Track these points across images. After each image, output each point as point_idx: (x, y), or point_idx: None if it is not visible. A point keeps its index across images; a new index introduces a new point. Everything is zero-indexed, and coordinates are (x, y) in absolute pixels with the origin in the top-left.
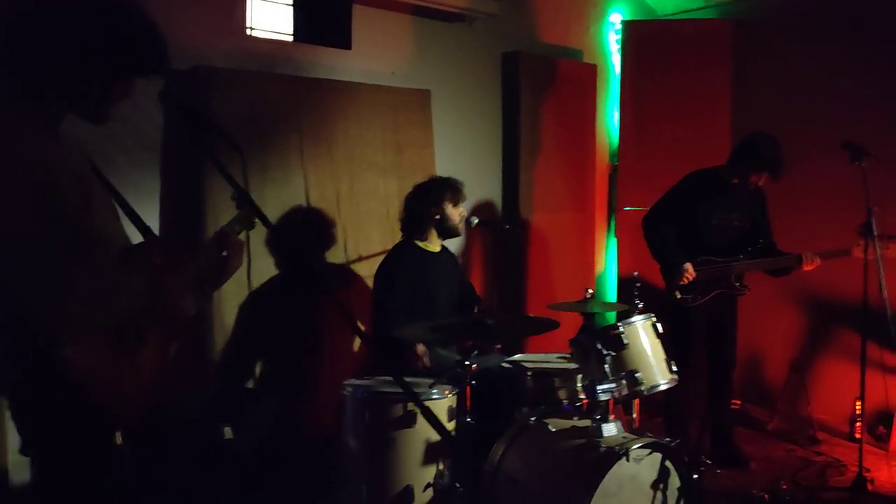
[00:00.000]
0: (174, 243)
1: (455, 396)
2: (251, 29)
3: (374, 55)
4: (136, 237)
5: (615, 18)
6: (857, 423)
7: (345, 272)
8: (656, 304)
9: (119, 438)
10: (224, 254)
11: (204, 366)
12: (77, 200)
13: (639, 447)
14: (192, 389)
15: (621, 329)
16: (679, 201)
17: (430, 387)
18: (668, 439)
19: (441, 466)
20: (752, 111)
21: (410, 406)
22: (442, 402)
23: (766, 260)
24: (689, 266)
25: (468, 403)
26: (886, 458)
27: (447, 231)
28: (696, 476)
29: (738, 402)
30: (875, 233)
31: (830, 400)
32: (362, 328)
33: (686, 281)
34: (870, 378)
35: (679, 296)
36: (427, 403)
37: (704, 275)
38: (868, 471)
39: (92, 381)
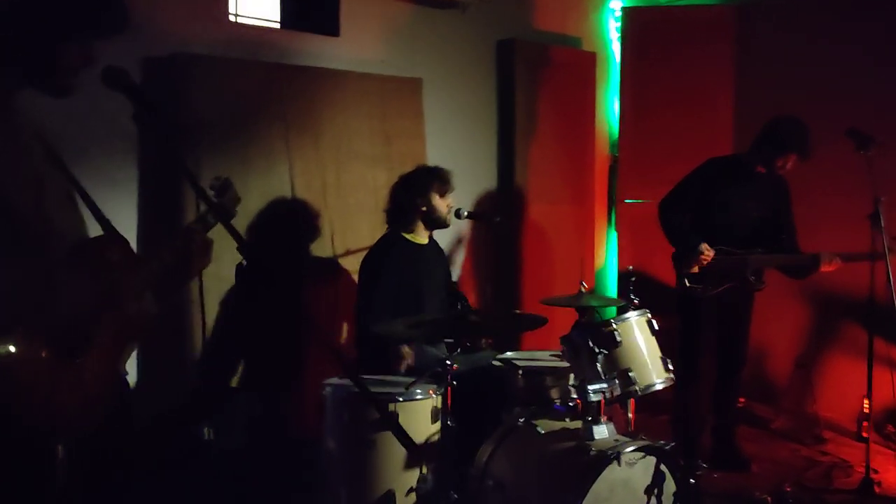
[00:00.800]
0: (155, 236)
1: (440, 396)
2: (235, 15)
3: (364, 42)
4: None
5: (615, 5)
6: (865, 422)
7: (331, 266)
8: (656, 299)
9: (60, 451)
10: (190, 251)
11: (184, 364)
12: (18, 191)
13: (631, 450)
14: (171, 388)
15: (614, 326)
16: (695, 187)
17: (410, 386)
18: (662, 442)
19: (424, 470)
20: (756, 99)
21: (392, 407)
22: (425, 402)
23: (782, 255)
24: (705, 246)
25: (449, 405)
26: (895, 459)
27: (434, 223)
28: (692, 481)
29: (743, 399)
30: (882, 223)
31: (837, 398)
32: (345, 329)
33: (703, 262)
34: (877, 375)
35: (689, 284)
36: (408, 404)
37: (718, 265)
38: (876, 472)
39: (20, 392)
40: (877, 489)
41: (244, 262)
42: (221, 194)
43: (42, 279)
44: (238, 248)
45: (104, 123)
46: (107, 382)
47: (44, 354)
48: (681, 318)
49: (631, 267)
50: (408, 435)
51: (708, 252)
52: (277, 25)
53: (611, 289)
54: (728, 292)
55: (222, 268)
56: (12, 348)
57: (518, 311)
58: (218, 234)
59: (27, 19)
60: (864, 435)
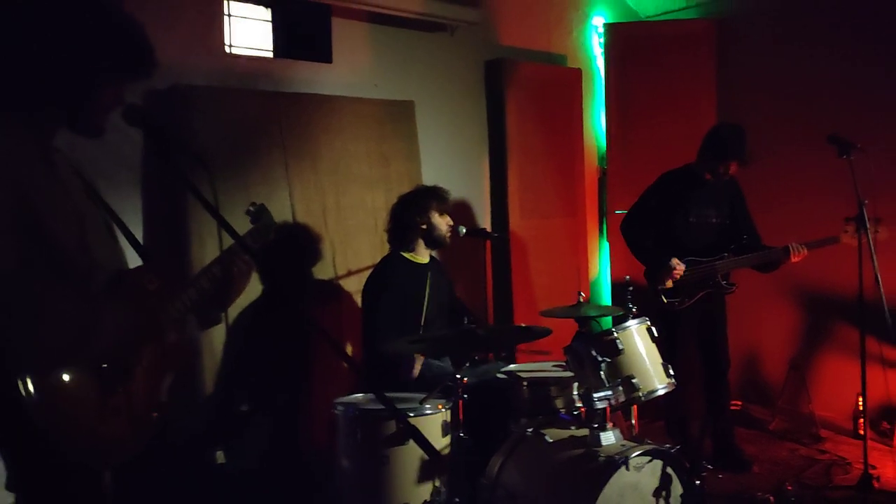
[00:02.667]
0: (171, 266)
1: (449, 411)
2: (230, 47)
3: (356, 68)
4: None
5: (598, 22)
6: (860, 420)
7: (333, 287)
8: (649, 308)
9: (107, 478)
10: (231, 275)
11: (194, 388)
12: (63, 226)
13: (638, 455)
14: (184, 413)
15: (616, 334)
16: (654, 202)
17: (422, 402)
18: (668, 445)
19: (437, 483)
20: (738, 108)
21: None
22: (435, 416)
23: (751, 255)
24: (675, 260)
25: (461, 418)
26: (892, 454)
27: (435, 241)
28: (698, 482)
29: (739, 402)
30: (868, 225)
31: (832, 396)
32: (350, 349)
33: (675, 276)
34: (871, 372)
35: (666, 300)
36: (419, 419)
37: (690, 276)
38: (874, 468)
39: (65, 424)
40: (876, 484)
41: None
42: (256, 220)
43: (86, 311)
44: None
45: (107, 155)
46: (148, 411)
47: (88, 385)
48: (663, 328)
49: (628, 277)
50: (430, 443)
51: (679, 266)
52: (270, 55)
53: (605, 298)
54: (702, 300)
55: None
56: (65, 377)
57: (522, 325)
58: None
59: (63, 61)
60: (861, 432)
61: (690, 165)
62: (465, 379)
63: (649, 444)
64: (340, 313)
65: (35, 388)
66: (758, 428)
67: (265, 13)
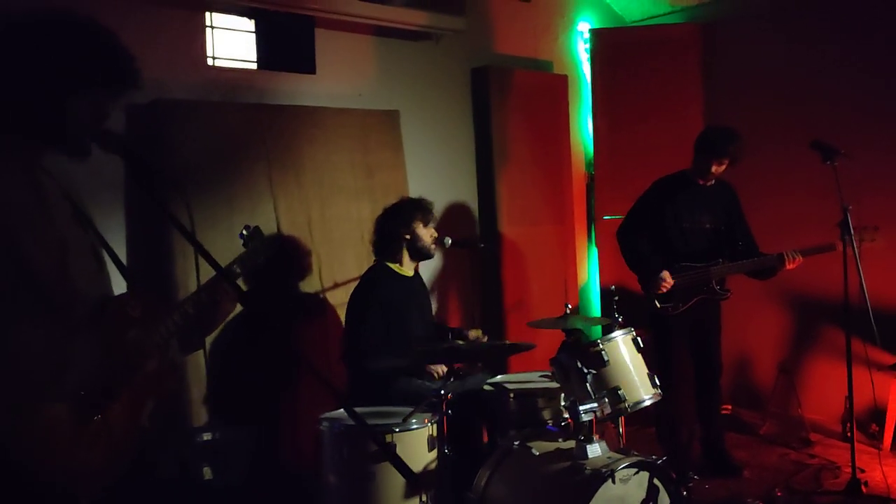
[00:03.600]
0: (155, 290)
1: (435, 425)
2: (213, 59)
3: (340, 78)
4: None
5: (583, 27)
6: (849, 423)
7: (320, 300)
8: (639, 315)
9: None
10: (216, 301)
11: (179, 405)
12: (45, 255)
13: (625, 467)
14: (168, 431)
15: (601, 346)
16: (648, 208)
17: (407, 418)
18: (654, 456)
19: (424, 499)
20: (725, 112)
21: (389, 438)
22: (421, 431)
23: (746, 262)
24: (665, 274)
25: (445, 433)
26: (880, 458)
27: (419, 253)
28: (685, 492)
29: (729, 406)
30: (852, 230)
31: (821, 400)
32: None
33: (664, 289)
34: (858, 375)
35: (659, 305)
36: (404, 434)
37: (683, 282)
38: (862, 471)
39: (42, 451)
40: (864, 489)
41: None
42: (247, 243)
43: (65, 340)
44: (238, 300)
45: (90, 175)
46: (128, 437)
47: (64, 414)
48: (653, 333)
49: (613, 287)
50: (406, 464)
51: (668, 281)
52: (254, 66)
53: (594, 305)
54: (696, 306)
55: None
56: (40, 408)
57: (505, 340)
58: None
59: (43, 80)
60: (849, 435)
61: (684, 171)
62: (450, 395)
63: (636, 455)
64: (327, 326)
65: (9, 420)
66: (748, 432)
67: (248, 24)
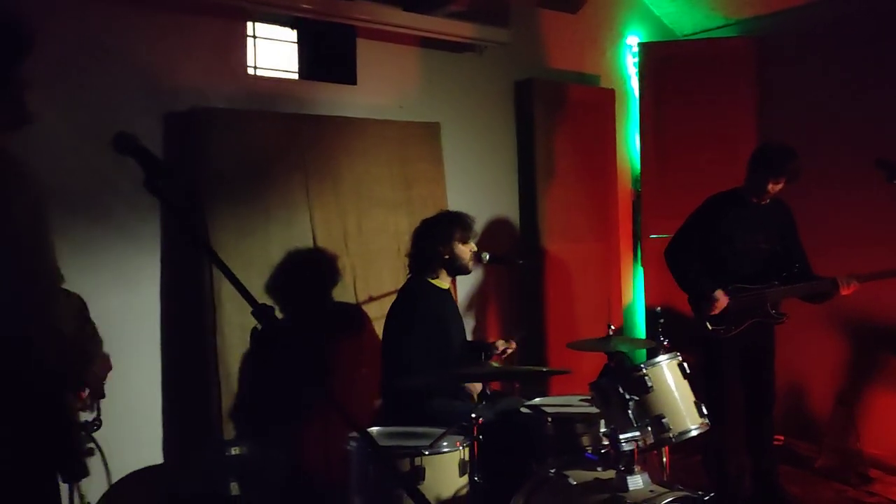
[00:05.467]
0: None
1: (467, 449)
2: (254, 68)
3: (381, 89)
4: None
5: (632, 41)
6: None
7: (354, 314)
8: (686, 338)
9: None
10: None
11: (209, 419)
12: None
13: (669, 503)
14: (199, 444)
15: (645, 371)
16: (700, 227)
17: (436, 441)
18: (701, 493)
19: None
20: (780, 130)
21: (418, 460)
22: (453, 455)
23: (800, 286)
24: (719, 293)
25: (477, 459)
26: None
27: (457, 269)
28: None
29: (781, 437)
30: None
31: (883, 433)
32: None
33: (717, 310)
34: None
35: (711, 327)
36: (434, 457)
37: (737, 304)
38: None
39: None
40: None
41: (258, 327)
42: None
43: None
44: (252, 313)
45: (126, 179)
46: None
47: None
48: (704, 357)
49: (659, 308)
50: (423, 496)
51: (722, 299)
52: (295, 76)
53: (639, 326)
54: (749, 329)
55: (246, 318)
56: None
57: (542, 364)
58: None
59: None
60: None
61: (737, 189)
62: (482, 419)
63: (680, 490)
64: (362, 340)
65: None
66: (802, 466)
67: (290, 34)
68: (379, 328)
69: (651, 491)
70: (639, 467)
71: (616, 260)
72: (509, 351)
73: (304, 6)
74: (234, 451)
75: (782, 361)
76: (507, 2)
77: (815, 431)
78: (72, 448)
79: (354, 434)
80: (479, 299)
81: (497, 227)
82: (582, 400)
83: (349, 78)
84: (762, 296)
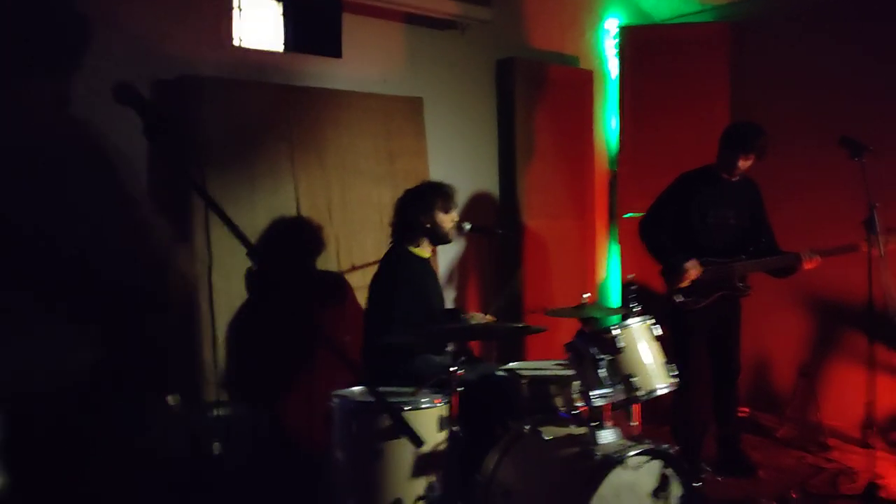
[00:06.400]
0: None
1: (446, 405)
2: (240, 41)
3: (365, 63)
4: None
5: (611, 24)
6: (869, 430)
7: (337, 282)
8: (657, 310)
9: None
10: None
11: (195, 380)
12: None
13: (636, 454)
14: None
15: (617, 332)
16: (672, 202)
17: (416, 391)
18: (667, 445)
19: (432, 479)
20: (752, 111)
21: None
22: (432, 411)
23: (766, 259)
24: (691, 263)
25: (455, 412)
26: None
27: (438, 238)
28: (698, 483)
29: (747, 409)
30: (878, 228)
31: (841, 405)
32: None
33: (688, 280)
34: (881, 381)
35: (680, 299)
36: (415, 413)
37: (706, 276)
38: (881, 478)
39: None
40: (882, 493)
41: (253, 268)
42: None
43: None
44: (247, 254)
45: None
46: None
47: None
48: (671, 329)
49: (632, 275)
50: (417, 435)
51: (695, 271)
52: (281, 50)
53: (614, 301)
54: (717, 302)
55: (233, 284)
56: None
57: (519, 324)
58: (228, 248)
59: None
60: (870, 442)
61: (708, 165)
62: (461, 371)
63: (648, 443)
64: (344, 309)
65: None
66: (765, 435)
67: (276, 8)
68: (361, 297)
69: (621, 444)
70: (610, 423)
71: (592, 237)
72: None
73: None
74: (217, 412)
75: (748, 337)
76: None
77: (778, 403)
78: None
79: (338, 392)
80: (459, 270)
81: (477, 202)
82: (557, 364)
83: (334, 51)
84: (730, 269)
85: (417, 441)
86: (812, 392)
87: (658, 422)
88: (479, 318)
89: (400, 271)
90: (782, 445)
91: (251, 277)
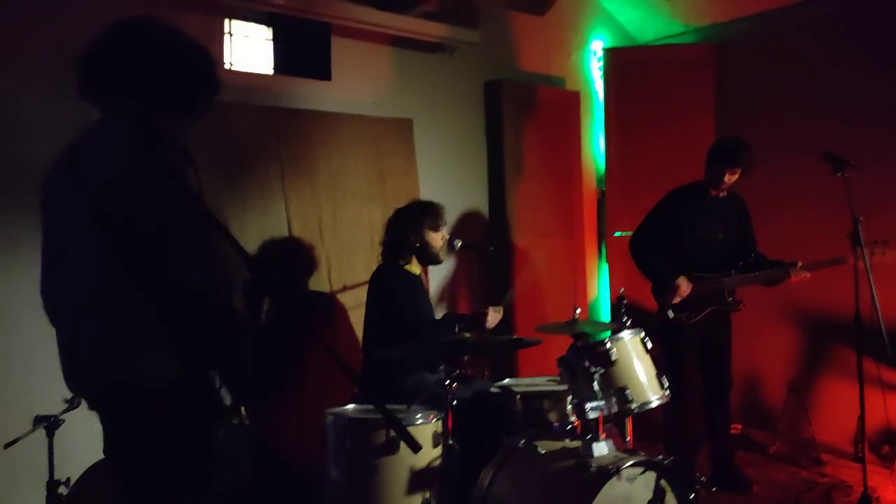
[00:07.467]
0: None
1: (440, 422)
2: (230, 65)
3: (355, 86)
4: None
5: (596, 46)
6: (860, 444)
7: (328, 302)
8: (648, 326)
9: None
10: None
11: None
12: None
13: (631, 465)
14: None
15: (609, 345)
16: (662, 218)
17: (410, 406)
18: (661, 457)
19: (427, 494)
20: (737, 130)
21: (393, 432)
22: (426, 427)
23: (758, 273)
24: (682, 280)
25: (451, 426)
26: (892, 478)
27: (429, 258)
28: (692, 495)
29: (739, 426)
30: (863, 242)
31: (832, 420)
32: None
33: (680, 297)
34: (870, 396)
35: (672, 315)
36: (411, 429)
37: (697, 291)
38: (874, 491)
39: None
40: None
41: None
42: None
43: None
44: (247, 267)
45: None
46: None
47: None
48: (665, 345)
49: (623, 289)
50: (416, 442)
51: (685, 286)
52: (271, 73)
53: (604, 319)
54: (708, 317)
55: None
56: None
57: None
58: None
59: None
60: (860, 455)
61: (697, 182)
62: (455, 384)
63: (643, 455)
64: (335, 328)
65: None
66: (758, 451)
67: (266, 32)
68: (353, 317)
69: (615, 456)
70: (603, 435)
71: (581, 256)
72: (499, 317)
73: (279, 2)
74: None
75: (739, 353)
76: (476, 3)
77: (770, 419)
78: None
79: (332, 409)
80: (450, 288)
81: (467, 222)
82: (549, 380)
83: (324, 74)
84: (721, 284)
85: (415, 446)
86: (803, 407)
87: (649, 440)
88: (492, 310)
89: (390, 286)
90: (776, 461)
91: (248, 289)
